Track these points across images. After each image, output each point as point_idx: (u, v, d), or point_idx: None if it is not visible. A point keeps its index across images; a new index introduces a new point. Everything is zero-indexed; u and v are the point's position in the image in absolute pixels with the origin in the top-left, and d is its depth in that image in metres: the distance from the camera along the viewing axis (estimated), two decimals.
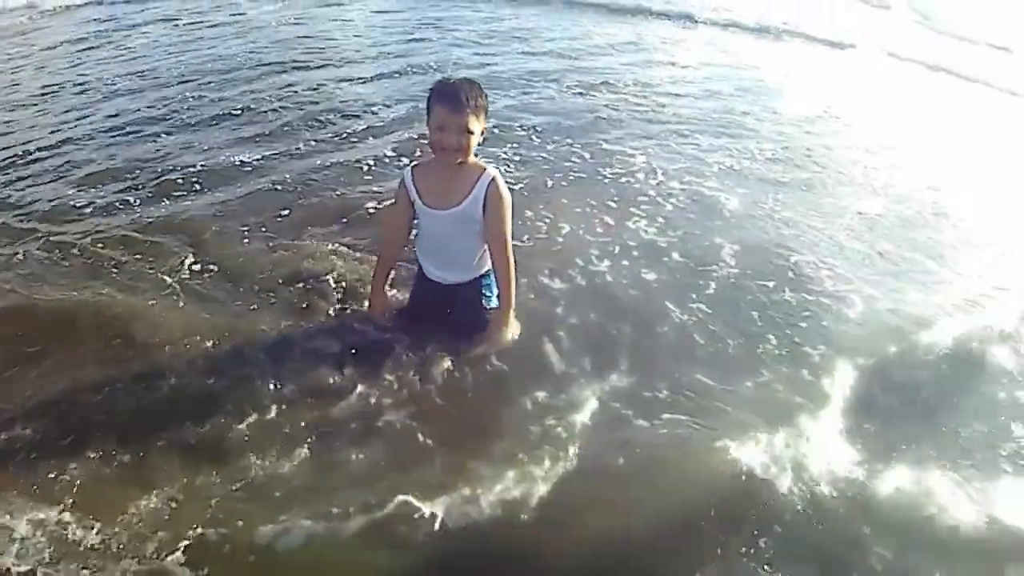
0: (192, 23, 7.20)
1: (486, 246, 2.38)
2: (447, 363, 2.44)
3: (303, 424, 2.20)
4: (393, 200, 2.52)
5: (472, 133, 2.15)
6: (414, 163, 2.42)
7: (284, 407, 2.25)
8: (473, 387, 2.41)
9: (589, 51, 6.70)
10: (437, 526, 1.89)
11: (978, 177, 4.67)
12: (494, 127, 4.61)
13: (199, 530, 1.81)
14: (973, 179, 4.61)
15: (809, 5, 9.46)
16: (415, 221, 2.42)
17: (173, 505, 1.89)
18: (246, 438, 2.13)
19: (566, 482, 2.05)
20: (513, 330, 2.52)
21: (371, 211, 3.46)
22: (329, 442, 2.15)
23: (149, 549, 1.77)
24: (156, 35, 6.77)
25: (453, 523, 1.90)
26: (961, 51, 8.04)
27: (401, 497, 1.93)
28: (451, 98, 2.11)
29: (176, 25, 7.12)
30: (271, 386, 2.32)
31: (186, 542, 1.78)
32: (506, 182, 2.36)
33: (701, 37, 7.78)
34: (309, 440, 2.14)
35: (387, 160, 4.06)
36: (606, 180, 3.85)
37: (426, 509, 1.91)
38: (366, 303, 2.67)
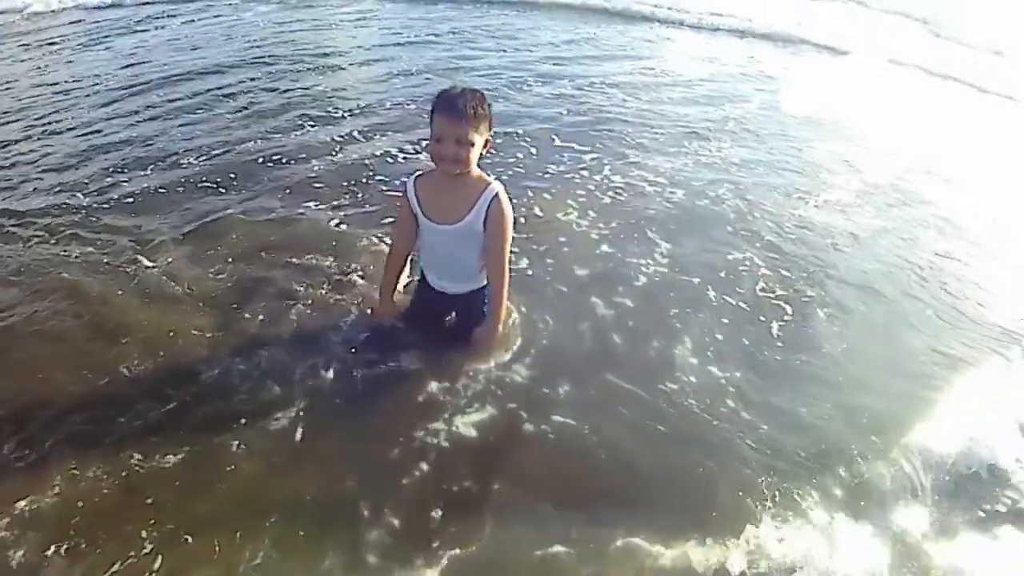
0: (181, 25, 7.31)
1: None
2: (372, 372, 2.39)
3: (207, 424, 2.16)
4: (398, 207, 2.44)
5: (472, 144, 2.08)
6: (417, 173, 2.34)
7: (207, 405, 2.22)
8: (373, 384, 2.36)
9: (565, 52, 6.66)
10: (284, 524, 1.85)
11: (955, 182, 4.50)
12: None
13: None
14: (949, 185, 4.43)
15: (802, 9, 9.30)
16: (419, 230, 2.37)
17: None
18: (156, 433, 2.11)
19: (432, 482, 2.00)
20: (497, 342, 2.49)
21: (358, 210, 3.42)
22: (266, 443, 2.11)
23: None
24: (143, 37, 6.85)
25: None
26: (958, 55, 7.84)
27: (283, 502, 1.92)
28: (450, 108, 2.04)
29: (164, 27, 7.22)
30: (213, 382, 2.30)
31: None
32: None
33: (687, 40, 7.71)
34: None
35: (372, 161, 4.00)
36: (548, 175, 3.77)
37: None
38: (367, 305, 2.65)
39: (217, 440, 2.10)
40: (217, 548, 1.78)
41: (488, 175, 2.23)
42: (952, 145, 5.28)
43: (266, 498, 1.93)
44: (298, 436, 2.13)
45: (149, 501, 1.90)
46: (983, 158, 5.15)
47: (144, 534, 1.80)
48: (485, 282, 2.40)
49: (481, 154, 2.13)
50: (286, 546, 1.79)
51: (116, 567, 1.72)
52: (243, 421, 2.16)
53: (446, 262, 2.37)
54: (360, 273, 2.86)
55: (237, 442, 2.08)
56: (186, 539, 1.79)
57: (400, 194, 2.35)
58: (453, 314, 2.54)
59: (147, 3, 8.00)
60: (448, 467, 2.04)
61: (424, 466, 2.04)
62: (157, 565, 1.73)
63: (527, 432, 2.19)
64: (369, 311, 2.62)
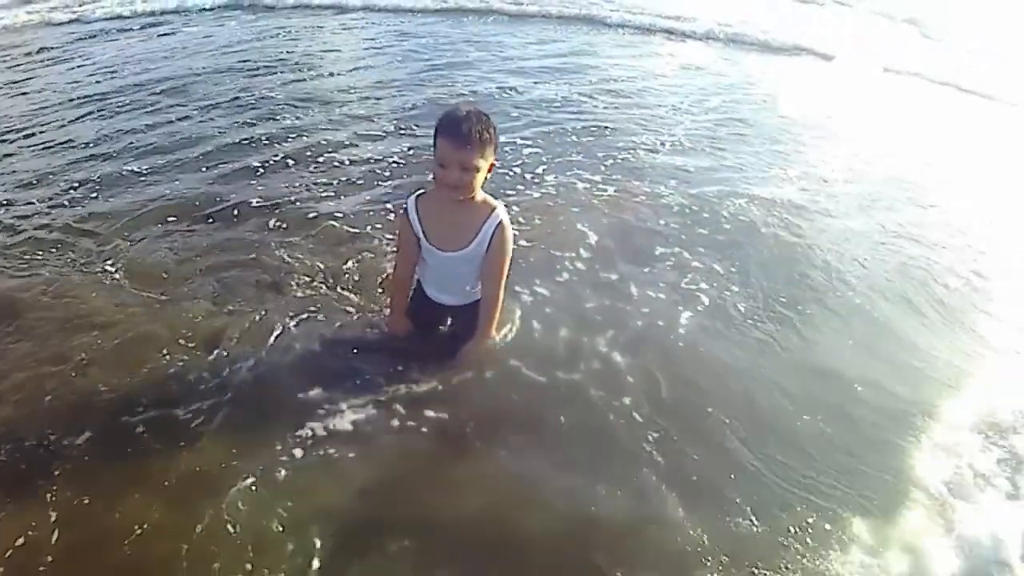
0: (160, 36, 7.37)
1: None
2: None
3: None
4: (397, 228, 2.39)
5: (477, 170, 2.02)
6: (418, 193, 2.28)
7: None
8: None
9: (530, 56, 6.74)
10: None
11: (913, 181, 4.48)
12: (400, 115, 4.73)
13: None
14: (904, 185, 4.41)
15: (787, 13, 9.33)
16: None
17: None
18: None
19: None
20: (481, 355, 2.49)
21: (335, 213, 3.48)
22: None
23: None
24: (116, 49, 6.86)
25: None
26: (949, 57, 7.79)
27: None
28: (455, 132, 1.97)
29: (144, 38, 7.29)
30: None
31: None
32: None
33: (658, 45, 7.71)
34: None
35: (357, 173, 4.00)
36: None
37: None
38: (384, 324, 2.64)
39: (129, 420, 2.21)
40: (118, 515, 1.90)
41: (492, 199, 2.20)
42: (930, 147, 5.28)
43: (163, 472, 2.04)
44: (209, 423, 2.22)
45: (57, 473, 2.03)
46: (962, 158, 5.17)
47: (49, 498, 1.94)
48: None
49: (486, 177, 2.10)
50: (175, 512, 1.92)
51: (22, 538, 1.84)
52: (162, 406, 2.26)
53: (446, 280, 2.38)
54: (320, 274, 2.97)
55: (146, 423, 2.20)
56: (84, 501, 1.94)
57: (401, 215, 2.30)
58: (449, 320, 2.56)
59: (111, 18, 7.98)
60: (325, 458, 2.12)
61: (299, 452, 2.13)
62: (59, 530, 1.87)
63: (406, 423, 2.25)
64: (383, 326, 2.61)
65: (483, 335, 2.40)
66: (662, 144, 4.61)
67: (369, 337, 2.61)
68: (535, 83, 5.75)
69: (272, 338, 2.58)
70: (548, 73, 6.09)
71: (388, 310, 2.61)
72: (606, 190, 3.76)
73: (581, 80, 5.97)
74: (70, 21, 7.91)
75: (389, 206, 3.52)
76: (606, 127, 4.83)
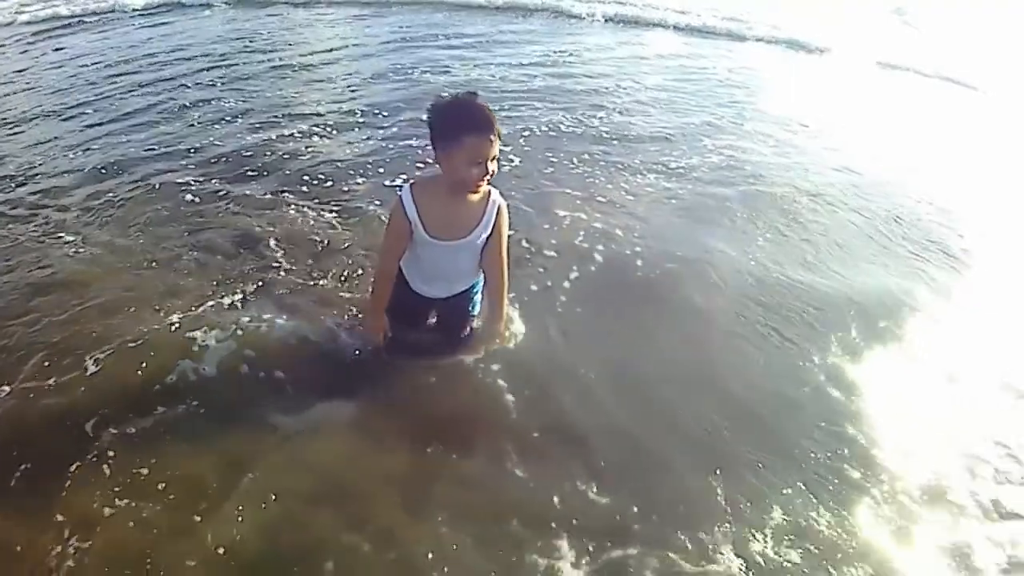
0: (136, 30, 7.51)
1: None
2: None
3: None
4: (390, 220, 2.28)
5: (495, 159, 2.02)
6: (412, 182, 2.21)
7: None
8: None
9: (498, 46, 7.03)
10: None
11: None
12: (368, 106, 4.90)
13: None
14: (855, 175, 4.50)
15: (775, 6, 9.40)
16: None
17: None
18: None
19: None
20: (502, 335, 2.54)
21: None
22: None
23: None
24: (86, 44, 6.97)
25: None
26: (945, 52, 7.92)
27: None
28: (483, 128, 1.92)
29: (118, 34, 7.38)
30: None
31: None
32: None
33: (616, 34, 7.98)
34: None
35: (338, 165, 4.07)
36: (408, 157, 4.10)
37: None
38: (362, 327, 2.57)
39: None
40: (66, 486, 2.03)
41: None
42: (919, 136, 5.48)
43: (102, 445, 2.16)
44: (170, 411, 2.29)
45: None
46: (947, 144, 5.40)
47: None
48: (470, 284, 2.40)
49: None
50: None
51: None
52: (121, 379, 2.38)
53: (439, 271, 2.34)
54: (283, 265, 3.06)
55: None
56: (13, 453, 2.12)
57: (398, 210, 2.19)
58: (434, 314, 2.55)
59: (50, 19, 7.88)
60: (310, 449, 2.21)
61: (285, 439, 2.24)
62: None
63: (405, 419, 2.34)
64: (359, 329, 2.51)
65: (499, 315, 2.43)
66: (598, 120, 4.85)
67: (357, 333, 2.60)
68: (499, 71, 6.03)
69: (251, 325, 2.61)
70: (513, 63, 6.35)
71: (368, 308, 2.52)
72: (520, 164, 4.10)
73: (538, 64, 6.27)
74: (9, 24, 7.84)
75: (367, 193, 3.70)
76: (543, 104, 5.11)
